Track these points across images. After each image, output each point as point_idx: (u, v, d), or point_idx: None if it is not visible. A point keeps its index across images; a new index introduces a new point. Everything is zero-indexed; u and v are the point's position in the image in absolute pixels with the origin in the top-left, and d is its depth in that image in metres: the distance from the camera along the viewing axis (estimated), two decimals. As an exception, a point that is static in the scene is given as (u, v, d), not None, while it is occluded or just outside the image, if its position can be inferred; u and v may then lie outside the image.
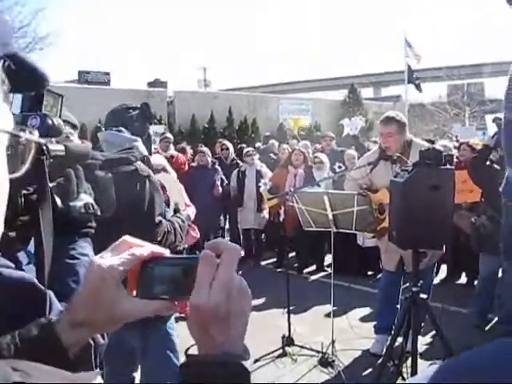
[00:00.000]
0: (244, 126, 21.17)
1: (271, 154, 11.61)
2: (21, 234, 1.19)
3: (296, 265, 9.03)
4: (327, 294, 5.41)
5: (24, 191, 1.18)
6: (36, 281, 1.06)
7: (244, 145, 11.84)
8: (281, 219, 8.22)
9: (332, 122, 22.69)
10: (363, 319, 6.50)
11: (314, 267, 9.01)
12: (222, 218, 9.98)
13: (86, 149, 1.36)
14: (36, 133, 0.93)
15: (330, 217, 5.24)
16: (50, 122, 1.21)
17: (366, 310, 6.73)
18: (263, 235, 10.04)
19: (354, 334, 5.81)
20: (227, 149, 10.52)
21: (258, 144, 14.50)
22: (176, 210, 3.76)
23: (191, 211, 5.75)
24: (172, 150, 9.75)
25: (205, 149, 9.96)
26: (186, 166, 9.69)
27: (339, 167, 9.01)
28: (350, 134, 11.80)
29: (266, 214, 9.06)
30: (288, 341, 5.59)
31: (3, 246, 1.05)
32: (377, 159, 5.12)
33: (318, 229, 5.48)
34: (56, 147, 1.21)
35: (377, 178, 5.14)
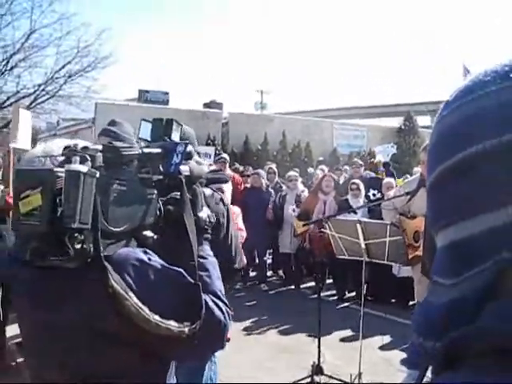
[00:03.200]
0: (297, 150, 21.13)
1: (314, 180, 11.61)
2: (161, 237, 1.51)
3: (333, 291, 8.93)
4: (359, 320, 5.33)
5: (162, 199, 1.52)
6: (186, 274, 1.42)
7: (294, 169, 11.83)
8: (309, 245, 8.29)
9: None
10: (395, 350, 6.33)
11: (352, 294, 8.87)
12: (271, 241, 9.98)
13: (203, 169, 1.69)
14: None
15: (363, 246, 5.18)
16: (188, 148, 1.57)
17: (401, 342, 6.57)
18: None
19: (385, 366, 5.67)
20: (274, 172, 10.56)
21: (310, 169, 14.44)
22: None
23: (240, 236, 5.82)
24: (228, 170, 9.85)
25: (260, 171, 10.03)
26: (242, 186, 9.78)
27: (373, 195, 8.89)
28: (382, 161, 11.69)
29: (301, 238, 9.07)
30: (317, 369, 5.50)
31: (149, 247, 1.45)
32: (417, 187, 5.05)
33: (351, 257, 5.44)
34: (184, 168, 1.57)
35: (416, 205, 5.08)
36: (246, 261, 6.98)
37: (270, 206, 9.40)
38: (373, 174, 10.65)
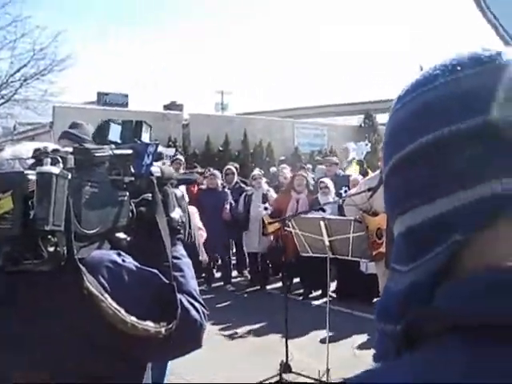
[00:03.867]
0: (259, 150, 21.18)
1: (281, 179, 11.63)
2: (134, 239, 1.51)
3: (301, 290, 8.99)
4: (330, 320, 5.37)
5: (134, 201, 1.51)
6: (161, 275, 1.42)
7: (257, 169, 11.85)
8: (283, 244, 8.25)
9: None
10: (364, 347, 6.41)
11: (319, 292, 8.94)
12: (230, 241, 9.99)
13: (172, 170, 1.70)
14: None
15: (327, 243, 5.24)
16: (159, 149, 1.58)
17: (367, 338, 6.65)
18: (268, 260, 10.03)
19: (353, 361, 5.73)
20: (233, 173, 10.55)
21: (272, 168, 14.48)
22: None
23: (200, 235, 5.81)
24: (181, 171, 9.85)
25: (215, 171, 10.01)
26: (196, 188, 9.73)
27: (345, 191, 8.98)
28: (356, 159, 11.80)
29: (270, 238, 9.07)
30: (285, 367, 5.53)
31: (122, 249, 1.45)
32: (378, 183, 5.11)
33: (315, 254, 5.49)
34: (155, 169, 1.58)
35: (377, 202, 5.14)
36: (207, 257, 7.02)
37: (226, 206, 9.40)
38: (346, 172, 10.73)
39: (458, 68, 0.61)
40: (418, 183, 0.61)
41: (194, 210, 6.50)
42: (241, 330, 7.18)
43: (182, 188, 5.16)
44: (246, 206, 9.49)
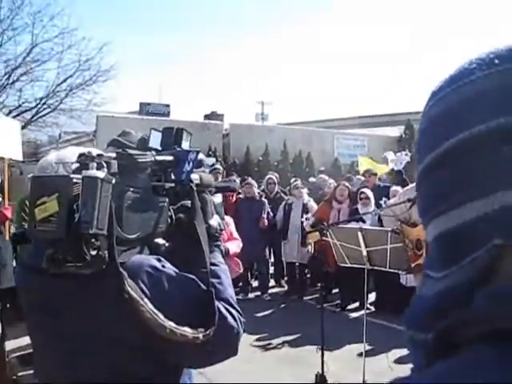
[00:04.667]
0: (298, 160, 21.19)
1: (322, 189, 11.57)
2: (172, 244, 1.53)
3: (338, 301, 8.91)
4: (366, 332, 5.31)
5: (173, 207, 1.54)
6: (199, 281, 1.44)
7: (295, 178, 11.83)
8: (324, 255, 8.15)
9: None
10: (401, 361, 6.30)
11: (357, 304, 8.84)
12: (267, 250, 9.98)
13: (211, 178, 1.71)
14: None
15: (364, 253, 5.19)
16: (200, 156, 1.60)
17: (406, 352, 6.54)
18: (307, 270, 9.96)
19: (390, 375, 5.64)
20: (274, 183, 10.58)
21: (311, 179, 14.45)
22: None
23: (237, 245, 5.83)
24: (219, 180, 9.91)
25: (251, 180, 10.03)
26: (234, 197, 9.76)
27: (385, 202, 8.88)
28: (395, 169, 11.64)
29: (310, 248, 8.98)
30: (321, 379, 5.48)
31: (161, 254, 1.47)
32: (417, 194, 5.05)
33: (352, 265, 5.45)
34: (195, 176, 1.59)
35: (417, 213, 5.06)
36: (242, 268, 7.02)
37: (263, 215, 9.39)
38: (387, 183, 10.63)
39: (496, 61, 0.57)
40: (453, 184, 0.58)
41: (228, 220, 6.53)
42: (276, 341, 7.16)
43: (219, 196, 5.23)
44: (285, 216, 9.47)
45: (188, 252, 1.51)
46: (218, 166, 10.52)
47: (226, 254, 3.89)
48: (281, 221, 9.53)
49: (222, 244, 1.66)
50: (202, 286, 1.43)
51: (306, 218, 8.69)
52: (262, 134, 21.35)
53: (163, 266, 1.42)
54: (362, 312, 8.40)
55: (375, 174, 10.39)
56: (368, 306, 8.50)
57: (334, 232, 5.39)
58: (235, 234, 6.00)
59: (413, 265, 5.08)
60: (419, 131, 0.65)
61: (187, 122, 19.18)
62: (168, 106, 23.86)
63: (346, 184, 9.28)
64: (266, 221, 9.33)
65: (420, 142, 0.65)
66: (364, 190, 8.91)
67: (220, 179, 9.98)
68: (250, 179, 10.28)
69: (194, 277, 1.44)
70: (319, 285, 9.30)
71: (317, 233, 7.39)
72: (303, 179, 12.80)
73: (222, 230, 1.65)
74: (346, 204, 8.76)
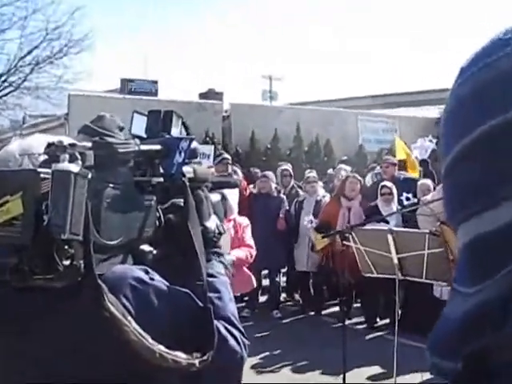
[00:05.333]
0: (315, 148, 21.17)
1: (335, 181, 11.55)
2: (161, 252, 1.54)
3: (362, 318, 8.93)
4: (392, 353, 5.33)
5: (162, 207, 1.54)
6: (194, 296, 1.43)
7: (310, 170, 11.78)
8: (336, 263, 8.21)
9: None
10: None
11: (383, 321, 8.86)
12: (284, 257, 9.89)
13: (208, 171, 1.73)
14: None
15: (395, 261, 5.20)
16: (193, 145, 1.61)
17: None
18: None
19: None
20: (290, 175, 10.55)
21: (330, 171, 14.41)
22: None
23: (247, 253, 5.84)
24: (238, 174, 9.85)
25: (269, 173, 10.00)
26: (247, 191, 9.74)
27: (407, 199, 8.84)
28: (419, 158, 11.60)
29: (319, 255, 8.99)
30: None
31: (148, 264, 1.46)
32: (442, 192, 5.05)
33: (380, 275, 5.45)
34: (188, 169, 1.59)
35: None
36: (255, 283, 7.01)
37: (281, 215, 9.38)
38: (408, 175, 10.57)
39: None
40: (486, 180, 0.56)
41: (245, 222, 6.48)
42: (288, 367, 7.17)
43: (234, 194, 5.26)
44: (296, 215, 9.47)
45: (180, 261, 1.52)
46: (226, 155, 10.44)
47: (231, 265, 3.92)
48: (292, 222, 9.53)
49: (222, 251, 1.66)
50: (198, 302, 1.44)
51: (310, 220, 8.74)
52: (270, 116, 21.31)
53: (151, 279, 1.42)
54: (389, 330, 8.47)
55: (394, 164, 10.28)
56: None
57: (357, 235, 5.39)
58: (249, 240, 6.00)
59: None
60: (445, 114, 0.64)
61: (178, 103, 19.19)
62: (155, 82, 23.88)
63: (357, 176, 9.22)
64: (283, 221, 9.32)
65: (446, 128, 0.63)
66: (386, 183, 8.80)
67: (230, 170, 9.94)
68: (267, 172, 10.22)
69: (188, 291, 1.45)
70: (338, 299, 9.31)
71: (323, 238, 7.44)
72: (321, 171, 12.78)
73: (220, 233, 1.65)
74: (358, 201, 8.71)
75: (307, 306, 9.77)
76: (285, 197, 9.75)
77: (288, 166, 10.96)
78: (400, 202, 8.67)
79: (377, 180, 10.23)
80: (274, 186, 9.73)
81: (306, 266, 9.42)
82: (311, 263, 9.32)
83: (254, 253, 5.91)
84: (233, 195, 5.04)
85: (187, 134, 1.67)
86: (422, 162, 11.52)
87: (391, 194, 8.47)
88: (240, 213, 6.66)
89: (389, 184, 8.71)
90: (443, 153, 0.62)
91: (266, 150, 20.36)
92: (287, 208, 9.55)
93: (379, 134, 23.49)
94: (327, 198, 9.51)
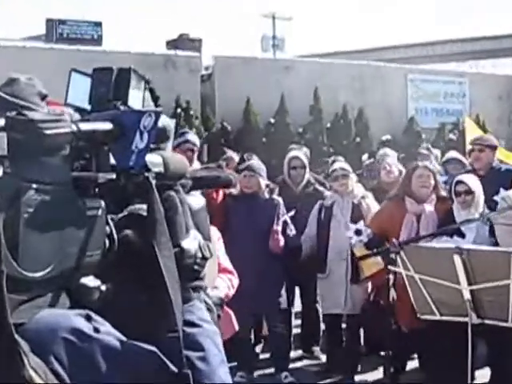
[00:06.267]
0: (341, 123, 21.17)
1: (382, 175, 11.49)
2: (115, 287, 1.52)
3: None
4: None
5: (114, 217, 1.55)
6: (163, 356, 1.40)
7: (335, 157, 11.77)
8: (392, 298, 8.10)
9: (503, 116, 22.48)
10: None
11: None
12: (284, 292, 9.83)
13: (185, 163, 1.78)
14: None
15: (467, 295, 5.19)
16: (161, 121, 1.65)
17: None
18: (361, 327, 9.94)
19: None
20: (302, 166, 10.40)
21: (365, 156, 14.41)
22: None
23: (227, 283, 5.81)
24: (196, 164, 9.66)
25: (254, 163, 9.81)
26: (220, 194, 9.55)
27: (503, 199, 8.77)
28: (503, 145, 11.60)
29: (366, 287, 8.90)
30: None
31: (93, 308, 1.45)
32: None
33: (445, 317, 5.44)
34: (155, 159, 1.61)
35: None
36: (236, 326, 6.97)
37: (276, 228, 9.16)
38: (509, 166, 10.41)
39: None
40: None
41: (215, 233, 6.39)
42: None
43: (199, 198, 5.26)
44: (321, 228, 9.35)
45: (144, 301, 1.50)
46: (190, 136, 10.15)
47: (220, 305, 3.92)
48: (313, 238, 9.41)
49: (206, 284, 1.65)
50: (170, 365, 1.42)
51: (357, 231, 8.58)
52: (273, 74, 21.30)
53: (95, 330, 1.41)
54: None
55: (492, 147, 9.99)
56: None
57: (409, 257, 5.38)
58: (225, 262, 5.94)
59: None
60: None
61: (135, 55, 19.15)
62: (98, 25, 23.92)
63: (429, 166, 9.07)
64: (280, 238, 9.18)
65: None
66: (463, 177, 8.65)
67: (196, 162, 9.80)
68: (252, 161, 10.01)
69: (153, 348, 1.43)
70: (383, 354, 9.28)
71: (377, 258, 7.36)
72: (352, 158, 12.77)
73: (205, 258, 1.63)
74: (432, 203, 8.64)
75: (335, 366, 9.75)
76: (280, 200, 9.44)
77: (300, 153, 10.81)
78: (490, 206, 8.43)
79: (458, 172, 10.01)
80: (264, 182, 9.46)
81: (343, 307, 9.29)
82: (352, 303, 9.18)
83: (236, 281, 5.85)
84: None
85: (156, 106, 1.66)
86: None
87: (470, 192, 8.31)
88: (212, 223, 6.51)
89: (466, 179, 8.48)
90: None
91: (268, 127, 20.33)
92: (286, 218, 9.25)
93: (440, 101, 23.53)
94: (370, 200, 9.35)
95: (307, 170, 10.09)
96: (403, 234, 7.98)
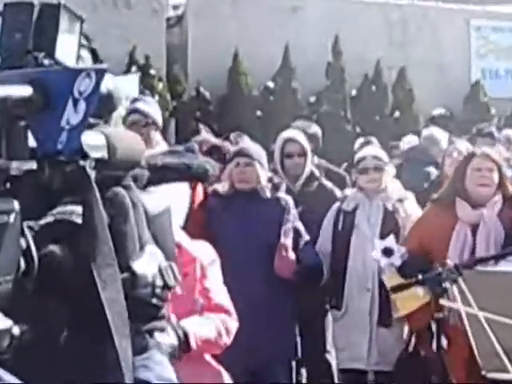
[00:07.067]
0: (371, 89, 21.24)
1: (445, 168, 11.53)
2: (32, 329, 1.53)
3: None
4: None
5: (31, 224, 1.53)
6: None
7: (365, 139, 11.83)
8: (444, 345, 8.13)
9: None
10: None
11: None
12: (296, 332, 9.80)
13: (139, 146, 1.83)
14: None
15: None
16: (104, 84, 1.62)
17: None
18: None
19: None
20: (303, 154, 10.38)
21: (408, 138, 14.48)
22: None
23: (220, 325, 5.83)
24: (162, 145, 9.64)
25: (248, 145, 9.86)
26: (199, 192, 9.56)
27: None
28: None
29: (403, 331, 8.90)
30: None
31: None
32: None
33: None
34: (94, 139, 1.60)
35: None
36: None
37: (283, 240, 9.09)
38: None
39: None
40: None
41: (209, 255, 6.32)
42: None
43: (183, 190, 5.38)
44: (337, 242, 9.35)
45: (74, 351, 1.50)
46: (142, 103, 10.13)
47: (176, 350, 3.96)
48: (326, 257, 9.38)
49: (168, 324, 1.65)
50: None
51: (385, 250, 8.41)
52: (273, 17, 21.39)
53: None
54: None
55: None
56: None
57: (472, 285, 5.41)
58: (219, 297, 5.85)
59: None
60: None
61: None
62: None
63: (491, 153, 9.08)
64: (290, 255, 9.14)
65: None
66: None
67: (163, 143, 9.82)
68: (245, 145, 10.02)
69: None
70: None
71: (416, 289, 7.33)
72: (385, 143, 12.83)
73: (167, 285, 1.63)
74: (495, 208, 8.66)
75: None
76: (290, 200, 9.39)
77: (299, 133, 10.76)
78: None
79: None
80: (265, 174, 9.37)
81: (366, 361, 9.29)
82: (380, 355, 9.17)
83: (234, 325, 5.80)
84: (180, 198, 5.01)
85: (95, 61, 1.65)
86: None
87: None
88: (195, 236, 6.50)
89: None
90: None
91: (265, 95, 20.40)
92: (296, 224, 9.18)
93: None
94: (411, 205, 9.33)
95: (309, 158, 9.86)
96: (452, 251, 7.86)
